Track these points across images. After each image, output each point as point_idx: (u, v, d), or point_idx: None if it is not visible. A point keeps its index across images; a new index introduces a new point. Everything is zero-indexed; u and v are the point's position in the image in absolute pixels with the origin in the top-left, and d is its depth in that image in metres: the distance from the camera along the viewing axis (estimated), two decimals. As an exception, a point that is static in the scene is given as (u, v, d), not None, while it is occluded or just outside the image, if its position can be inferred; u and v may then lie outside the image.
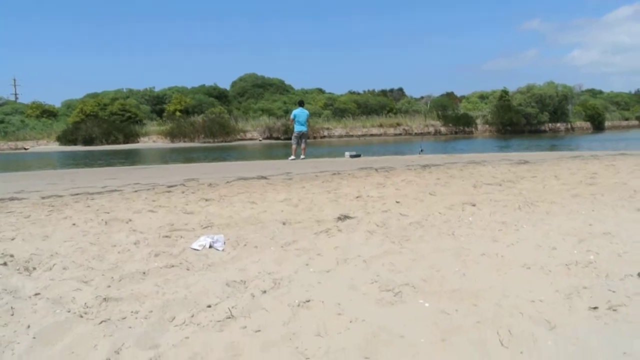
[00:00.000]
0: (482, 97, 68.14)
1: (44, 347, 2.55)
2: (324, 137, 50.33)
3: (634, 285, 3.14)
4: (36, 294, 3.23)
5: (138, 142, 45.58)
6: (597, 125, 60.31)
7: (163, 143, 44.75)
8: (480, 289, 3.17)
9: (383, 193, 6.92)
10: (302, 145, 16.79)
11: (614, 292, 3.05)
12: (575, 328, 2.61)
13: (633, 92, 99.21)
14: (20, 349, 2.54)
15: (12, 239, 4.69)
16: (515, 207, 5.62)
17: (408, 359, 2.37)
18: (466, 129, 53.70)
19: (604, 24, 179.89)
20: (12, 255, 4.08)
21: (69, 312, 2.96)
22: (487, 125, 54.42)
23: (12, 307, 3.01)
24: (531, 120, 54.45)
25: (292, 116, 16.87)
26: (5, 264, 3.87)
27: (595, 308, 2.84)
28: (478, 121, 55.13)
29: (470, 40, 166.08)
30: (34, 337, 2.64)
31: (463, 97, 73.99)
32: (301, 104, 17.32)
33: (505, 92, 58.11)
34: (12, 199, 7.46)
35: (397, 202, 6.12)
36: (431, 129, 52.94)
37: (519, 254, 3.86)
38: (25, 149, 42.84)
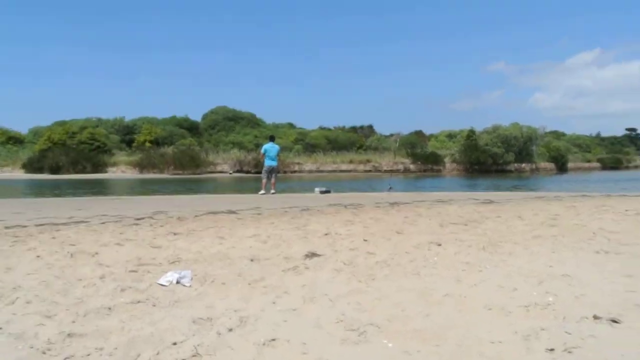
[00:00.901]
0: (450, 135, 69.68)
1: (4, 385, 2.51)
2: (295, 171, 50.53)
3: (588, 328, 3.26)
4: (-3, 329, 3.18)
5: (106, 172, 45.01)
6: (561, 166, 62.14)
7: (132, 174, 44.25)
8: (443, 329, 3.25)
9: (351, 230, 7.00)
10: (272, 180, 16.84)
11: (570, 334, 3.17)
12: (531, 369, 2.70)
13: (594, 134, 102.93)
14: (-20, 387, 2.50)
15: (-27, 271, 4.60)
16: (480, 248, 5.77)
17: (371, 399, 2.42)
18: (434, 167, 54.66)
19: (566, 68, 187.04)
20: (-27, 289, 4.00)
21: (31, 347, 2.92)
22: (454, 164, 55.52)
23: (-28, 343, 2.96)
24: (497, 160, 55.77)
25: (262, 150, 16.95)
26: (-35, 297, 3.80)
27: (551, 350, 2.94)
28: (446, 160, 56.24)
29: (440, 78, 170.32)
30: (-5, 374, 2.60)
31: (432, 135, 75.52)
32: (272, 138, 17.44)
33: (472, 131, 59.58)
34: (-27, 229, 7.29)
35: (365, 240, 6.20)
36: (400, 167, 53.73)
37: (481, 295, 3.96)
38: (-12, 175, 41.81)
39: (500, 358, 2.82)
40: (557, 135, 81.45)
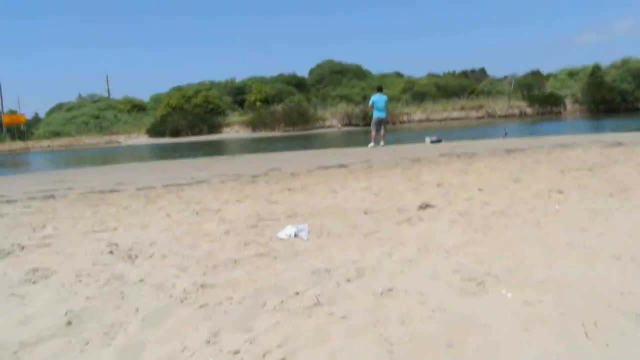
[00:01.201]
0: (571, 74, 64.63)
1: (151, 329, 2.83)
2: (404, 122, 49.85)
3: None
4: (141, 280, 3.56)
5: (221, 132, 47.24)
6: None
7: (245, 133, 46.08)
8: (566, 279, 3.14)
9: (465, 180, 6.86)
10: (382, 132, 16.78)
11: None
12: (667, 321, 2.55)
13: None
14: (132, 330, 2.83)
15: (115, 229, 5.12)
16: (607, 194, 5.42)
17: (490, 348, 2.43)
18: (554, 109, 51.26)
19: None
20: (116, 244, 4.47)
21: (170, 297, 3.24)
22: (577, 105, 51.63)
23: (121, 292, 3.35)
24: (627, 97, 51.06)
25: (370, 102, 16.87)
26: (111, 252, 4.26)
27: (690, 300, 2.75)
28: (567, 100, 52.43)
29: (558, 12, 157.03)
30: (143, 320, 2.93)
31: (550, 75, 70.48)
32: (379, 89, 17.28)
33: (597, 67, 54.82)
34: (111, 190, 8.07)
35: (480, 189, 6.06)
36: (516, 111, 51.06)
37: (608, 244, 3.76)
38: (118, 142, 45.63)
39: (632, 310, 2.69)
40: (699, 65, 72.72)
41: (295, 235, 4.46)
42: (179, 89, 60.20)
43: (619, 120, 31.99)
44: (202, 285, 3.37)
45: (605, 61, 66.99)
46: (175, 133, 45.52)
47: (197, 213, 5.68)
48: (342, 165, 10.00)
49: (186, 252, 4.17)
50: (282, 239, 4.40)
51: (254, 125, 46.97)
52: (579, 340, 2.44)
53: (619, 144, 11.15)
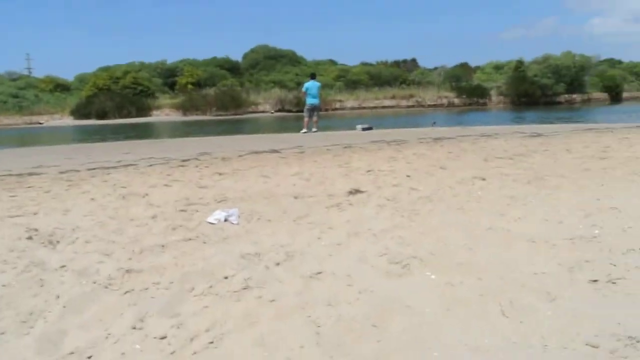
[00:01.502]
0: (497, 67, 67.17)
1: (74, 316, 2.73)
2: (336, 109, 50.12)
3: (635, 260, 3.25)
4: (62, 266, 3.42)
5: (150, 115, 45.80)
6: (615, 96, 59.36)
7: (175, 116, 44.93)
8: (486, 262, 3.30)
9: (394, 167, 7.03)
10: (314, 118, 16.84)
11: (615, 265, 3.17)
12: (574, 299, 2.74)
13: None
14: (52, 317, 2.72)
15: (35, 214, 4.89)
16: (525, 182, 5.71)
17: (414, 328, 2.52)
18: (480, 100, 53.18)
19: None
20: (36, 230, 4.27)
21: (94, 283, 3.14)
22: (501, 97, 53.82)
23: (41, 279, 3.20)
24: (547, 91, 53.77)
25: (304, 89, 16.87)
26: (30, 237, 4.06)
27: (595, 281, 2.96)
28: (492, 92, 54.52)
29: (487, 6, 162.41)
30: (64, 307, 2.83)
31: (477, 67, 72.94)
32: (313, 76, 17.30)
33: (520, 62, 57.33)
34: (31, 174, 7.67)
35: (408, 176, 6.22)
36: (444, 101, 52.56)
37: (525, 228, 3.97)
38: (40, 123, 43.29)
39: (543, 289, 2.86)
40: (613, 63, 77.29)
41: (225, 220, 4.43)
42: (106, 69, 57.77)
43: (539, 113, 33.69)
44: (128, 271, 3.28)
45: (528, 57, 70.10)
46: (102, 115, 43.74)
47: (123, 197, 5.51)
48: (274, 151, 9.98)
49: (111, 237, 4.04)
50: (211, 224, 4.36)
51: (185, 108, 45.89)
52: (496, 319, 2.57)
53: (538, 135, 11.74)
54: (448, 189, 5.44)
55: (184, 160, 8.82)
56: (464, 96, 52.88)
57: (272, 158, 8.71)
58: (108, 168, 8.13)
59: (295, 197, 5.27)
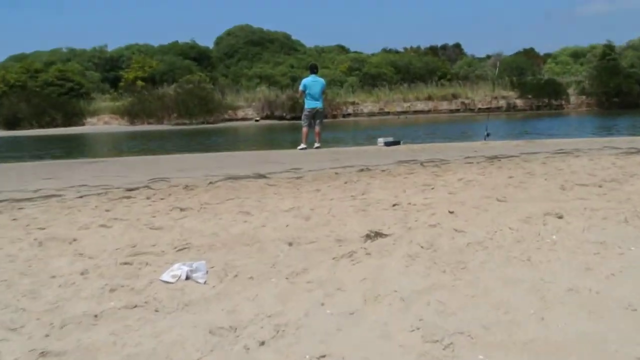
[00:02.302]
0: (576, 54, 67.65)
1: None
2: (349, 115, 50.61)
3: None
4: (-52, 346, 3.37)
5: (84, 124, 46.17)
6: None
7: (119, 125, 45.26)
8: (567, 340, 3.23)
9: (431, 199, 7.00)
10: (317, 129, 16.94)
11: None
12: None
13: None
14: None
15: None
16: (621, 220, 5.66)
17: None
18: (553, 101, 53.46)
19: None
20: None
21: (-7, 371, 3.08)
22: (583, 97, 54.02)
23: None
24: (648, 88, 53.84)
25: (301, 87, 17.01)
26: None
27: None
28: (570, 90, 54.79)
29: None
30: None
31: (548, 55, 73.48)
32: (314, 69, 17.46)
33: (609, 47, 57.58)
34: None
35: (451, 212, 6.19)
36: (502, 103, 52.92)
37: (621, 290, 3.91)
38: None
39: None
40: None
41: (187, 278, 4.38)
42: (20, 58, 58.43)
43: (638, 119, 33.66)
44: (43, 354, 3.23)
45: (618, 39, 70.65)
46: (13, 123, 44.03)
47: (40, 244, 5.48)
48: (259, 176, 9.98)
49: (21, 304, 4.00)
50: (167, 283, 4.31)
51: (132, 114, 46.31)
52: None
53: (638, 151, 11.72)
54: (508, 231, 5.39)
55: (129, 190, 8.81)
56: (530, 96, 53.15)
57: (257, 186, 8.71)
58: (20, 200, 8.12)
59: (289, 244, 5.23)
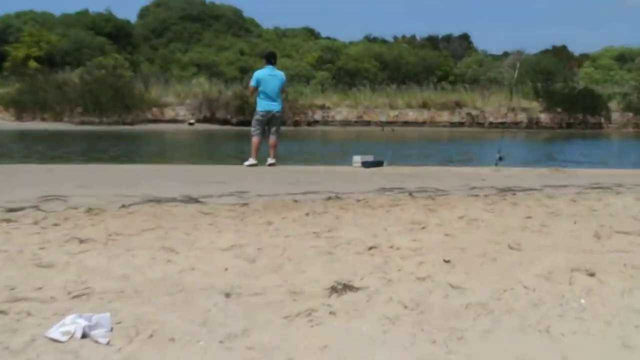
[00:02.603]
0: (623, 58, 68.53)
1: None
2: (316, 123, 50.82)
3: None
4: None
5: (-49, 117, 45.61)
6: None
7: (1, 120, 44.80)
8: None
9: (420, 242, 7.02)
10: (272, 139, 16.97)
11: None
12: None
13: None
14: None
15: None
16: (672, 282, 5.72)
17: None
18: (589, 118, 53.98)
19: None
20: None
21: None
22: (630, 114, 54.55)
23: None
24: None
25: (253, 82, 17.02)
26: None
27: None
28: (613, 104, 55.30)
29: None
30: None
31: (585, 56, 74.39)
32: (271, 58, 17.48)
33: (667, 50, 58.40)
34: None
35: (446, 261, 6.21)
36: (521, 117, 53.47)
37: (671, 375, 3.95)
38: None
39: None
40: None
41: (84, 336, 4.34)
42: None
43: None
44: None
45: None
46: None
47: None
48: (191, 199, 9.98)
49: None
50: (55, 342, 4.26)
51: (20, 106, 45.81)
52: None
53: (698, 190, 11.88)
54: (522, 290, 5.42)
55: (10, 211, 8.73)
56: (559, 110, 53.59)
57: (187, 214, 8.69)
58: None
59: (227, 295, 5.20)
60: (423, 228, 7.81)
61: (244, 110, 42.01)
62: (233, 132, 37.43)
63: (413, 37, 78.19)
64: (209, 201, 9.90)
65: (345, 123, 51.14)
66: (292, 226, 7.86)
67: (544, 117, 53.45)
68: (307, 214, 8.74)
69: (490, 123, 51.08)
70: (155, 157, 23.27)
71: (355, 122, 51.64)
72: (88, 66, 50.63)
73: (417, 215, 8.67)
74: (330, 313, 4.87)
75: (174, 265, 6.01)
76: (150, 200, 9.80)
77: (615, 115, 54.50)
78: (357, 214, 8.85)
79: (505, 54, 73.31)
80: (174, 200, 9.93)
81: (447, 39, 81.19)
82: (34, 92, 46.03)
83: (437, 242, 7.07)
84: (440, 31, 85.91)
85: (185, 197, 10.14)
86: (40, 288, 5.26)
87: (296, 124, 47.11)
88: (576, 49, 75.26)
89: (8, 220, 8.01)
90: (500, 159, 17.79)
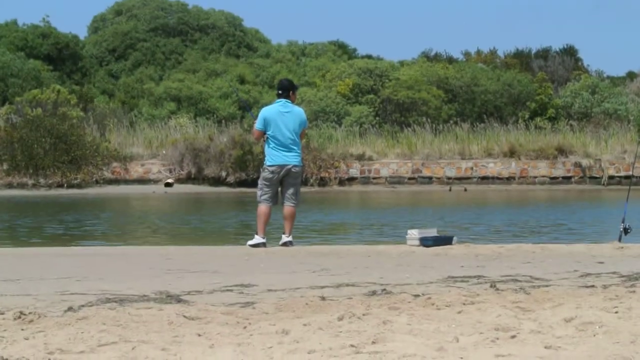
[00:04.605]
0: None
1: None
2: (352, 180, 50.92)
3: None
4: None
5: None
6: None
7: None
8: None
9: (509, 357, 6.99)
10: (288, 207, 16.97)
11: None
12: None
13: None
14: None
15: None
16: None
17: None
18: None
19: None
20: None
21: None
22: None
23: None
24: None
25: (259, 123, 17.04)
26: None
27: None
28: None
29: None
30: None
31: None
32: (284, 88, 17.49)
33: None
34: None
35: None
36: (660, 168, 53.18)
37: None
38: None
39: None
40: None
41: None
42: None
43: None
44: None
45: None
46: None
47: None
48: (169, 297, 9.99)
49: None
50: None
51: None
52: None
53: None
54: None
55: None
56: None
57: (164, 319, 8.69)
58: None
59: None
60: (513, 337, 7.76)
61: (246, 164, 42.17)
62: (231, 197, 37.66)
63: (494, 52, 78.34)
64: (196, 300, 9.89)
65: (396, 180, 51.15)
66: (318, 336, 7.81)
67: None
68: (340, 318, 8.70)
69: (610, 177, 50.95)
70: (117, 235, 23.38)
71: (410, 178, 51.64)
72: (16, 103, 51.09)
73: (503, 318, 8.62)
74: None
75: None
76: (109, 300, 9.81)
77: None
78: (415, 316, 8.80)
79: (631, 76, 73.46)
80: (144, 299, 9.94)
81: (544, 54, 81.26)
82: None
83: (534, 358, 7.05)
84: (534, 44, 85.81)
85: (160, 295, 10.14)
86: None
87: (323, 182, 47.13)
88: None
89: None
90: (626, 231, 17.68)
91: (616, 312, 8.98)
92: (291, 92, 17.32)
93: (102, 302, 9.70)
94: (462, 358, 7.02)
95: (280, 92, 17.25)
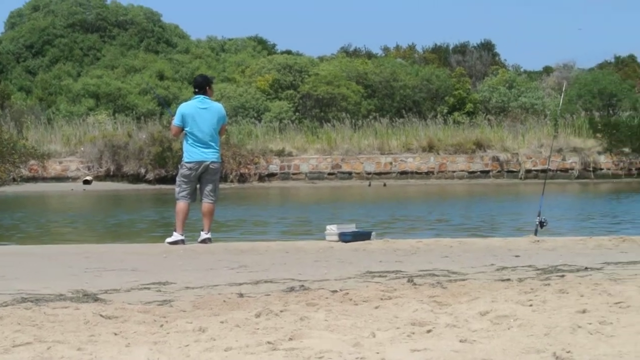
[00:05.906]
0: None
1: None
2: (272, 176, 50.89)
3: None
4: None
5: None
6: None
7: None
8: None
9: (426, 352, 7.02)
10: (206, 204, 16.95)
11: None
12: None
13: None
14: None
15: None
16: None
17: None
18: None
19: None
20: None
21: None
22: None
23: None
24: None
25: (177, 120, 16.98)
26: None
27: None
28: None
29: None
30: None
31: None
32: (202, 84, 17.46)
33: None
34: None
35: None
36: (572, 161, 53.76)
37: None
38: None
39: None
40: None
41: None
42: None
43: None
44: None
45: None
46: None
47: None
48: (86, 296, 9.95)
49: None
50: None
51: None
52: None
53: None
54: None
55: None
56: (627, 149, 53.83)
57: (80, 318, 8.66)
58: None
59: None
60: (429, 332, 7.79)
61: (165, 160, 42.06)
62: (150, 194, 37.61)
63: (412, 47, 78.64)
64: (113, 299, 9.86)
65: (316, 176, 51.23)
66: (235, 334, 7.81)
67: (604, 161, 53.75)
68: (257, 315, 8.71)
69: (527, 171, 51.36)
70: (32, 233, 23.22)
71: (330, 174, 51.73)
72: None
73: (420, 313, 8.66)
74: None
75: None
76: (25, 300, 9.76)
77: None
78: (332, 312, 8.81)
79: (547, 70, 74.05)
80: (60, 298, 9.89)
81: (462, 49, 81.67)
82: None
83: (450, 352, 7.08)
84: (452, 39, 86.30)
85: (77, 294, 10.10)
86: None
87: (242, 178, 47.20)
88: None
89: None
90: (542, 224, 17.82)
91: (531, 305, 9.06)
92: (207, 87, 17.30)
93: (17, 302, 9.65)
94: (378, 353, 7.04)
95: (196, 89, 17.23)
